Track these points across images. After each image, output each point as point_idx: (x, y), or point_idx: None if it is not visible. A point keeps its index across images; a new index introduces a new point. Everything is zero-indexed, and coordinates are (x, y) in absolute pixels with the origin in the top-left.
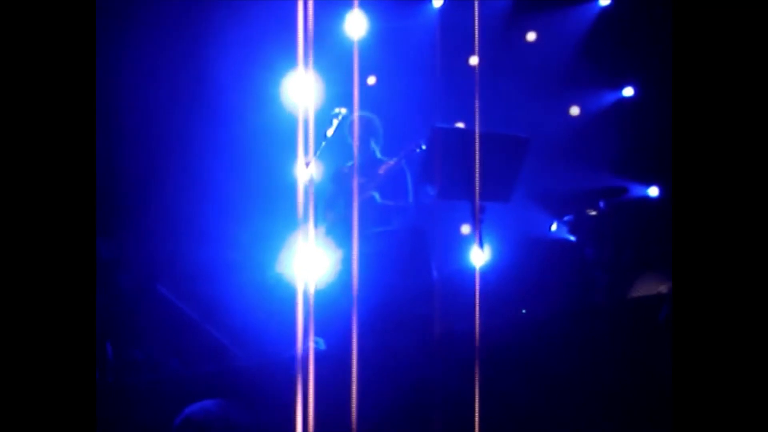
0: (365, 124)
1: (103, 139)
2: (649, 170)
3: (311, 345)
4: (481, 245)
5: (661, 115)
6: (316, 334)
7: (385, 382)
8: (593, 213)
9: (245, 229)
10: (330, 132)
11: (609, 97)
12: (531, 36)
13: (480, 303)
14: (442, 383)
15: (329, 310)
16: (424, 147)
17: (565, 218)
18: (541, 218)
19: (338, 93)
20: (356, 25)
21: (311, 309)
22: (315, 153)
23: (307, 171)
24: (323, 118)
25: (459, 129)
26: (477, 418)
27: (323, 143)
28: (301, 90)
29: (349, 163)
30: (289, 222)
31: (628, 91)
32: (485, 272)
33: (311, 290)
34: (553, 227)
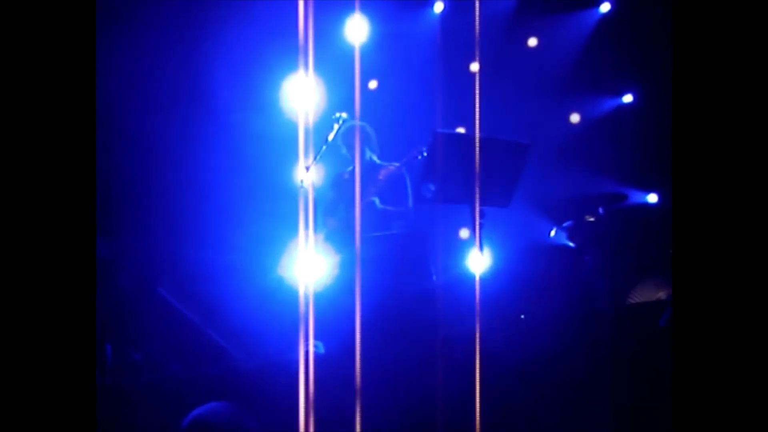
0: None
1: (104, 140)
2: (649, 177)
3: (311, 349)
4: (480, 250)
5: (661, 122)
6: (316, 337)
7: (385, 385)
8: (592, 219)
9: (245, 232)
10: (331, 136)
11: (608, 104)
12: (532, 42)
13: (479, 307)
14: (442, 387)
15: (329, 313)
16: (425, 154)
17: (565, 224)
18: (540, 224)
19: (339, 97)
20: (357, 29)
21: (311, 312)
22: (315, 157)
23: (307, 175)
24: (324, 123)
25: (460, 134)
26: (477, 423)
27: (324, 147)
28: (301, 94)
29: (349, 169)
30: (289, 225)
31: (627, 98)
32: (485, 277)
33: (311, 294)
34: (553, 233)
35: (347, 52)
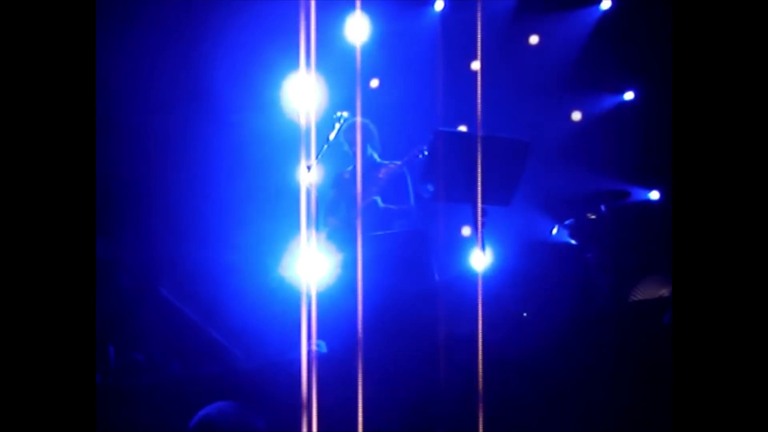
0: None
1: (106, 140)
2: (651, 174)
3: (313, 348)
4: (482, 248)
5: (663, 119)
6: (318, 337)
7: (387, 385)
8: (594, 217)
9: (247, 232)
10: (332, 135)
11: (610, 101)
12: (533, 39)
13: (481, 305)
14: (445, 386)
15: (331, 312)
16: (426, 152)
17: (567, 222)
18: (542, 222)
19: (340, 96)
20: (358, 28)
21: (313, 312)
22: (317, 156)
23: (308, 174)
24: (325, 122)
25: (461, 132)
26: (480, 421)
27: (325, 146)
28: (303, 93)
29: (350, 168)
30: (290, 224)
31: (629, 95)
32: (486, 275)
33: (313, 293)
34: (554, 231)
35: (348, 51)
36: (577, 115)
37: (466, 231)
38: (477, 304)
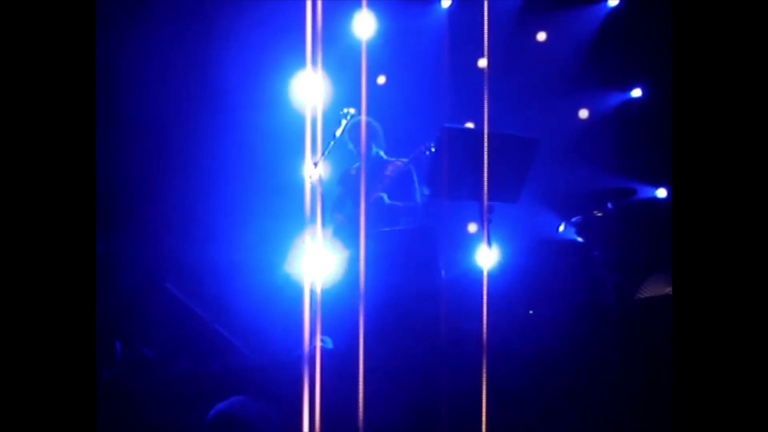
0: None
1: (115, 137)
2: (658, 171)
3: (318, 344)
4: (489, 245)
5: (669, 116)
6: (324, 333)
7: (392, 381)
8: (601, 214)
9: (253, 229)
10: (338, 132)
11: (617, 98)
12: (540, 36)
13: (487, 303)
14: (450, 382)
15: (337, 309)
16: (433, 149)
17: (573, 219)
18: (549, 219)
19: (347, 93)
20: (365, 25)
21: (318, 308)
22: (323, 153)
23: (315, 171)
24: (331, 118)
25: (468, 129)
26: (484, 418)
27: (331, 143)
28: (309, 90)
29: (356, 165)
30: (296, 222)
31: (636, 92)
32: (493, 272)
33: (318, 290)
34: (561, 228)
35: (355, 48)
36: (584, 113)
37: (472, 228)
38: (483, 302)
